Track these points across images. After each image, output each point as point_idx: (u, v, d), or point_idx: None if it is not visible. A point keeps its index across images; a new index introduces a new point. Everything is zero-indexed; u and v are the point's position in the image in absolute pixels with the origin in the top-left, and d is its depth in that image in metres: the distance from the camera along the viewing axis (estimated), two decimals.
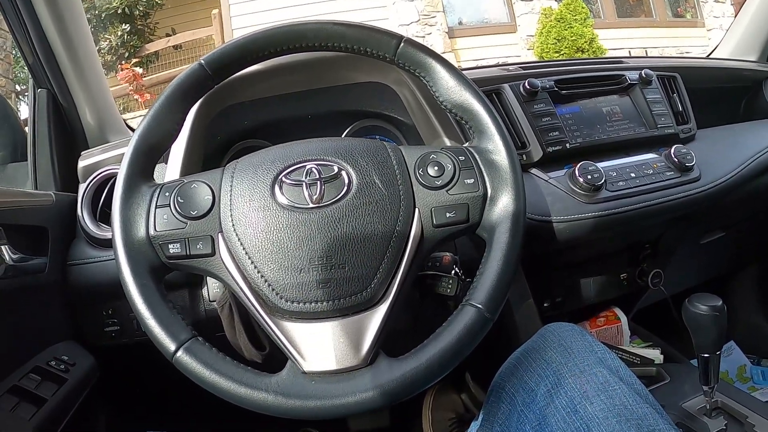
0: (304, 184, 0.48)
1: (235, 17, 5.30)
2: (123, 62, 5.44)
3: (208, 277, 0.70)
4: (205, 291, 0.71)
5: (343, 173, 0.49)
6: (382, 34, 0.53)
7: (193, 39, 5.63)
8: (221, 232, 0.48)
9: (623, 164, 0.81)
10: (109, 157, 0.79)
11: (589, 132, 0.84)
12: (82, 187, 0.78)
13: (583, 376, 0.50)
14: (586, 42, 4.96)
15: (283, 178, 0.49)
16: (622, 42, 5.54)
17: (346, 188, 0.48)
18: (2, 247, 0.65)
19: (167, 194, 0.49)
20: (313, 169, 0.49)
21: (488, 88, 0.82)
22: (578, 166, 0.76)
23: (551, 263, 0.92)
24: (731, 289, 1.30)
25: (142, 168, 0.50)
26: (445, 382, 0.98)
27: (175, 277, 0.53)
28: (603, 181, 0.75)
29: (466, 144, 0.54)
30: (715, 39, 4.35)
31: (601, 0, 5.78)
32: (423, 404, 0.95)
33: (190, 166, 0.67)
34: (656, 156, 0.84)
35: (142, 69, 5.43)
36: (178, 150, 0.67)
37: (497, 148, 0.51)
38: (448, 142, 0.74)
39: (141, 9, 5.74)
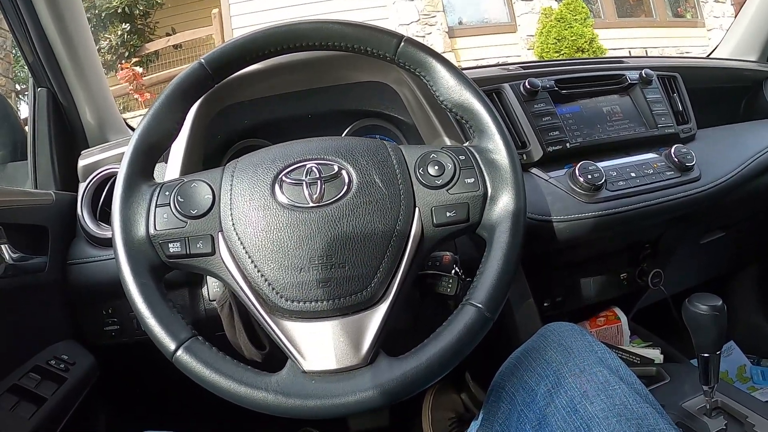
0: (304, 183, 0.48)
1: (235, 17, 5.30)
2: (123, 61, 5.44)
3: (208, 277, 0.70)
4: (205, 290, 0.71)
5: (344, 172, 0.49)
6: (382, 34, 0.53)
7: (193, 38, 5.63)
8: (221, 231, 0.48)
9: (623, 164, 0.81)
10: (109, 157, 0.79)
11: (589, 132, 0.84)
12: (82, 186, 0.78)
13: (583, 375, 0.50)
14: (586, 42, 4.96)
15: (284, 178, 0.48)
16: (622, 42, 5.54)
17: (346, 187, 0.48)
18: (2, 246, 0.65)
19: (167, 193, 0.49)
20: (314, 168, 0.49)
21: (488, 88, 0.82)
22: (578, 165, 0.76)
23: (551, 263, 0.92)
24: (731, 289, 1.30)
25: (142, 167, 0.50)
26: (445, 382, 0.98)
27: (175, 276, 0.53)
28: (603, 180, 0.75)
29: (467, 143, 0.54)
30: (715, 39, 4.35)
31: (601, 0, 5.78)
32: (423, 404, 0.95)
33: (190, 166, 0.67)
34: (656, 156, 0.84)
35: (142, 68, 5.43)
36: (178, 149, 0.67)
37: (497, 148, 0.51)
38: (448, 142, 0.74)
39: (141, 8, 5.74)
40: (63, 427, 0.67)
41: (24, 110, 0.96)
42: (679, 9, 6.20)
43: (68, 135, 0.88)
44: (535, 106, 0.82)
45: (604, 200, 0.76)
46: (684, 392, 0.79)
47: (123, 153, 0.51)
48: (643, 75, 0.90)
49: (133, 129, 0.95)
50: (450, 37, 5.39)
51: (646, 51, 5.62)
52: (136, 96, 5.14)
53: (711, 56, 1.28)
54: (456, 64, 0.71)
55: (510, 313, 0.80)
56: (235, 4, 5.31)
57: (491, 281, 0.46)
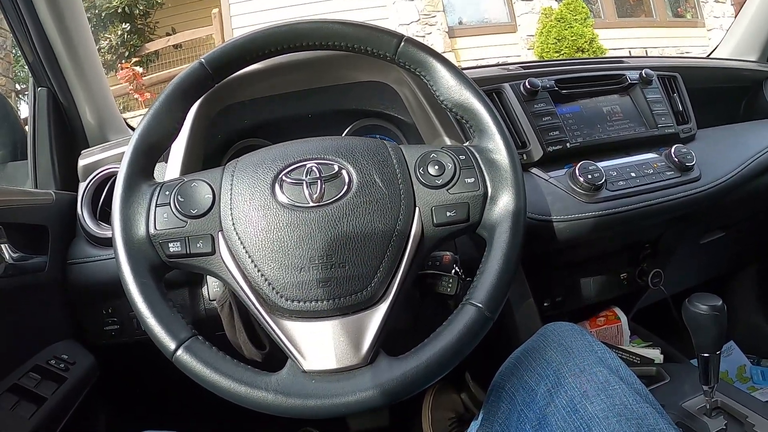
0: (304, 183, 0.48)
1: (235, 17, 5.30)
2: (123, 61, 5.44)
3: (208, 276, 0.70)
4: (205, 290, 0.71)
5: (344, 172, 0.49)
6: (382, 33, 0.53)
7: (193, 38, 5.63)
8: (221, 230, 0.48)
9: (623, 164, 0.81)
10: (109, 156, 0.79)
11: (589, 131, 0.84)
12: (82, 186, 0.78)
13: (583, 375, 0.50)
14: (586, 42, 4.96)
15: (284, 177, 0.49)
16: (622, 42, 5.54)
17: (346, 187, 0.48)
18: (2, 245, 0.65)
19: (167, 193, 0.49)
20: (314, 168, 0.49)
21: (488, 88, 0.82)
22: (578, 165, 0.76)
23: (551, 263, 0.92)
24: (731, 289, 1.30)
25: (142, 167, 0.50)
26: (445, 382, 0.98)
27: (175, 275, 0.53)
28: (603, 180, 0.75)
29: (467, 143, 0.54)
30: (715, 39, 4.35)
31: (601, 0, 5.78)
32: (423, 404, 0.95)
33: (190, 165, 0.67)
34: (656, 156, 0.84)
35: (142, 68, 5.43)
36: (178, 149, 0.67)
37: (498, 148, 0.51)
38: (448, 141, 0.74)
39: (141, 8, 5.74)
40: (63, 427, 0.67)
41: (24, 110, 0.96)
42: (679, 9, 6.20)
43: (68, 135, 0.88)
44: (535, 106, 0.82)
45: (604, 200, 0.76)
46: (684, 392, 0.79)
47: (123, 153, 0.51)
48: (643, 75, 0.90)
49: (133, 129, 0.95)
50: (450, 37, 5.39)
51: (646, 51, 5.62)
52: (136, 96, 5.14)
53: (711, 56, 1.28)
54: (456, 64, 0.71)
55: (510, 313, 0.80)
56: (235, 4, 5.31)
57: (491, 281, 0.46)
